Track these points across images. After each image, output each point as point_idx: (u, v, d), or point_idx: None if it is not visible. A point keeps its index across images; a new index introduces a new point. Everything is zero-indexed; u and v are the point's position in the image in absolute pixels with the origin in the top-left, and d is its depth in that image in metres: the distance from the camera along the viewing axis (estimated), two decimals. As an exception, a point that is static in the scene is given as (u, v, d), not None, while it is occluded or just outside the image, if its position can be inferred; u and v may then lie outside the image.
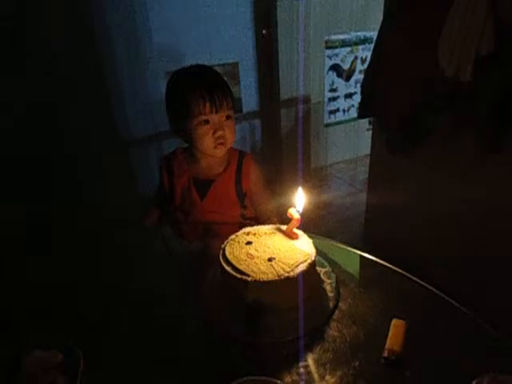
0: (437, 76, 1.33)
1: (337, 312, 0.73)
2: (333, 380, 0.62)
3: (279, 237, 0.80)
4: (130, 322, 0.75)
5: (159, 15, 2.12)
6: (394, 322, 0.68)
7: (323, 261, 0.85)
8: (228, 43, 2.41)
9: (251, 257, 0.74)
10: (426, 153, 1.57)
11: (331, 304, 0.73)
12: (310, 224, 2.42)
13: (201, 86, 1.03)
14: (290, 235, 0.80)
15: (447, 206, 1.51)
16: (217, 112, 1.03)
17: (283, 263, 0.71)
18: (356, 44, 2.77)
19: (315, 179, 2.95)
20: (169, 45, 2.20)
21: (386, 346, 0.64)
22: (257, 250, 0.76)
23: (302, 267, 0.70)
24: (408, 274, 0.83)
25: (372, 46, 2.64)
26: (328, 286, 0.78)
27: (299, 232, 0.80)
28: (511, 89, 1.19)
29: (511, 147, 1.25)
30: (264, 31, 2.50)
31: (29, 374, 0.60)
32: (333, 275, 0.81)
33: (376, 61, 1.67)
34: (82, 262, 0.94)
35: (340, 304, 0.75)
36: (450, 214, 1.50)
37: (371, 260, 0.90)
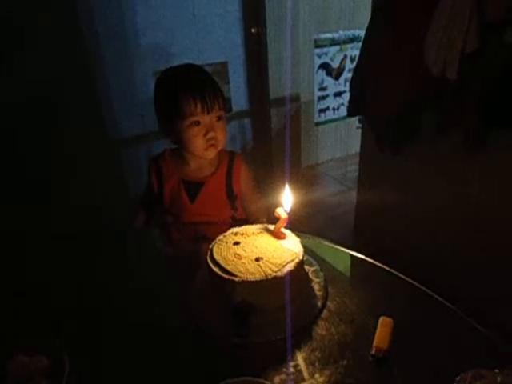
0: (424, 74, 1.33)
1: (325, 311, 0.73)
2: (321, 379, 0.62)
3: (267, 237, 0.80)
4: (123, 325, 0.74)
5: (147, 15, 2.10)
6: (382, 319, 0.68)
7: (311, 259, 0.85)
8: (217, 42, 2.40)
9: (239, 257, 0.73)
10: (415, 150, 1.58)
11: (319, 303, 0.73)
12: (300, 222, 2.43)
13: (192, 86, 1.00)
14: (278, 235, 0.79)
15: (437, 203, 1.52)
16: (208, 113, 1.00)
17: (271, 263, 0.71)
18: (345, 43, 2.77)
19: (306, 178, 2.96)
20: (157, 44, 2.18)
21: (374, 344, 0.64)
22: (244, 250, 0.75)
23: (290, 266, 0.70)
24: (397, 273, 0.83)
25: (361, 44, 2.65)
26: (316, 284, 0.78)
27: (287, 231, 0.80)
28: (496, 86, 1.20)
29: (497, 144, 1.27)
30: (253, 30, 2.49)
31: (14, 379, 0.59)
32: (321, 274, 0.81)
33: (364, 59, 1.68)
34: (67, 263, 0.93)
35: (328, 303, 0.75)
36: (440, 210, 1.51)
37: (360, 258, 0.90)
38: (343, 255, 0.94)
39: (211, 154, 1.07)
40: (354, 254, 0.92)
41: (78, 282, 0.87)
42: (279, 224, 0.79)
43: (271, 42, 2.52)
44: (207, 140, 1.03)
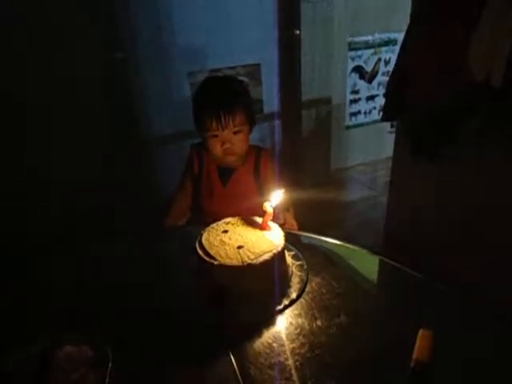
0: (467, 79, 1.29)
1: (357, 319, 0.73)
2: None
3: (253, 228, 0.85)
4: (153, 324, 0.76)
5: (183, 15, 2.19)
6: (422, 332, 0.65)
7: (299, 254, 0.89)
8: (251, 44, 2.45)
9: (223, 243, 0.79)
10: (452, 157, 1.52)
11: (294, 295, 0.77)
12: (328, 226, 2.42)
13: (209, 104, 1.12)
14: (264, 227, 0.84)
15: (474, 212, 1.46)
16: (223, 130, 1.12)
17: (250, 251, 0.76)
18: (379, 46, 2.73)
19: (334, 181, 2.94)
20: (192, 45, 2.28)
21: (414, 357, 0.61)
22: (230, 238, 0.81)
23: (266, 256, 0.74)
24: (430, 280, 0.81)
25: (396, 47, 2.59)
26: (297, 277, 0.82)
27: (273, 224, 0.85)
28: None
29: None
30: (287, 32, 2.53)
31: (59, 370, 0.60)
32: (305, 268, 0.84)
33: (403, 63, 1.65)
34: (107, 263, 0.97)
35: (359, 308, 0.76)
36: (478, 220, 1.44)
37: (389, 264, 0.90)
38: (373, 261, 0.94)
39: (229, 159, 1.19)
40: (385, 259, 0.91)
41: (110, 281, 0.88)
42: (265, 217, 0.84)
43: (305, 45, 2.54)
44: (224, 149, 1.14)
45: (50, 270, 0.95)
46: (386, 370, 0.63)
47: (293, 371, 0.63)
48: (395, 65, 1.71)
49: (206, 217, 1.27)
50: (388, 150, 2.88)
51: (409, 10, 1.62)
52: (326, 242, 0.99)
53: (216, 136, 1.14)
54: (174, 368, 0.67)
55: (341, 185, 2.94)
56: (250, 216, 0.90)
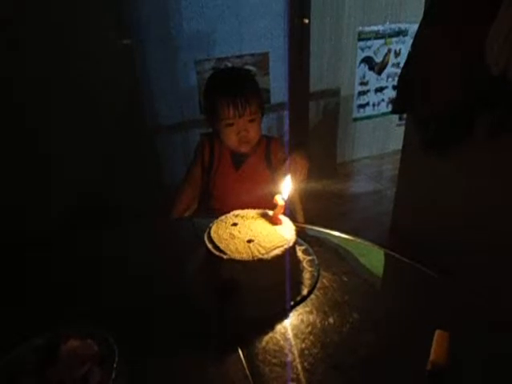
0: (482, 73, 1.25)
1: (369, 318, 0.71)
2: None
3: (264, 221, 0.82)
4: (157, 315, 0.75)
5: (191, 3, 2.15)
6: (438, 333, 0.63)
7: (310, 249, 0.86)
8: (259, 33, 2.41)
9: (232, 237, 0.77)
10: (463, 152, 1.49)
11: (305, 291, 0.75)
12: (334, 220, 2.38)
13: (226, 93, 1.14)
14: (275, 221, 0.82)
15: (483, 208, 1.43)
16: (240, 117, 1.14)
17: (260, 246, 0.74)
18: (390, 36, 2.67)
19: (340, 174, 2.91)
20: (199, 33, 2.24)
21: (430, 359, 0.59)
22: (239, 232, 0.79)
23: (277, 251, 0.72)
24: (446, 279, 0.79)
25: (407, 38, 2.54)
26: (308, 273, 0.80)
27: (284, 218, 0.82)
28: None
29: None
30: (296, 21, 2.48)
31: (64, 364, 0.58)
32: (316, 264, 0.82)
33: (416, 54, 1.60)
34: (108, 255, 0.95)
35: (372, 305, 0.74)
36: (487, 217, 1.42)
37: (402, 261, 0.87)
38: (379, 254, 0.92)
39: (244, 148, 1.20)
40: (392, 253, 0.89)
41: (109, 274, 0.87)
42: (277, 210, 0.81)
43: (314, 34, 2.49)
44: (240, 138, 1.17)
45: (51, 262, 0.94)
46: (400, 373, 0.61)
47: (303, 371, 0.62)
48: (407, 57, 1.67)
49: (215, 203, 1.28)
50: (394, 143, 2.86)
51: (422, 0, 1.57)
52: (334, 236, 0.97)
53: (231, 125, 1.16)
54: (182, 364, 0.65)
55: (347, 178, 2.91)
56: (260, 204, 0.88)
